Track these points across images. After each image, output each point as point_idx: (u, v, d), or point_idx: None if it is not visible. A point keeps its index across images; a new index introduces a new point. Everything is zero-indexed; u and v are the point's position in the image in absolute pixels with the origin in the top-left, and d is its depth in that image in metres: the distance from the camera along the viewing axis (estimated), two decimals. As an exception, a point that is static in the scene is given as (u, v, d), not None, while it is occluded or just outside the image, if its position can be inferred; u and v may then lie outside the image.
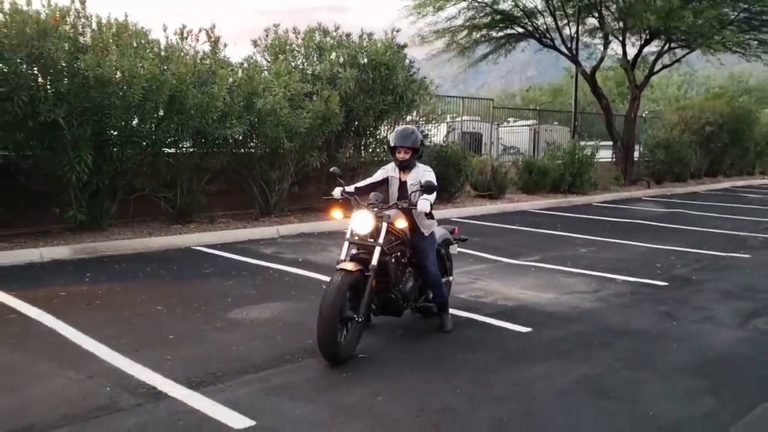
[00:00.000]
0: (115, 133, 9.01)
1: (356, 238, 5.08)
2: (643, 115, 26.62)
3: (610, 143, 21.53)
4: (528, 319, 5.96)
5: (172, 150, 10.24)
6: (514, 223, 12.31)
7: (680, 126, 22.85)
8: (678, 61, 22.08)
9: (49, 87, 8.29)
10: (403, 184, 5.48)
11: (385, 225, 4.98)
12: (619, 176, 20.13)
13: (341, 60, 12.06)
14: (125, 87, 8.57)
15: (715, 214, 14.35)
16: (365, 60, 12.01)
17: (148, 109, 8.89)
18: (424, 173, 5.37)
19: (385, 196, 5.51)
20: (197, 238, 9.64)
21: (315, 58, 12.37)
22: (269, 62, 11.96)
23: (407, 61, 12.76)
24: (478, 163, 15.37)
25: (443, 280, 5.75)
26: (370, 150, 12.92)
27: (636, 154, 22.05)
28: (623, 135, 20.99)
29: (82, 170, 8.55)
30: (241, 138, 10.86)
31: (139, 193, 9.97)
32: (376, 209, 5.11)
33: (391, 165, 5.57)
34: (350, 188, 5.42)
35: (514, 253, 9.17)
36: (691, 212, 14.77)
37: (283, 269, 7.87)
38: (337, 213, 5.49)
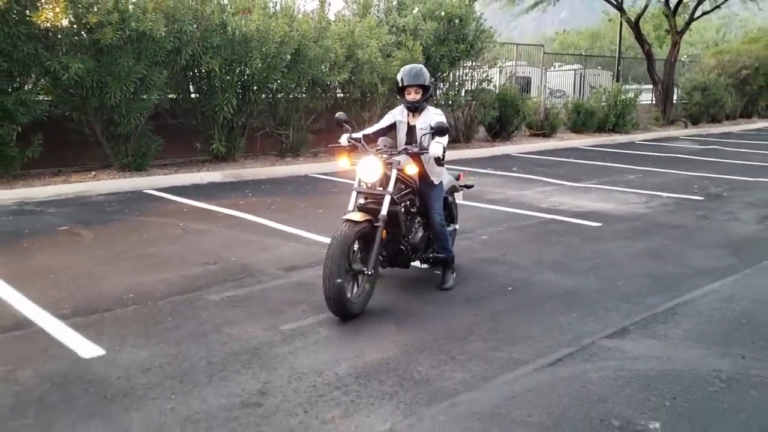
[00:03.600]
0: (254, 79, 11.07)
1: (364, 186, 4.81)
2: (682, 59, 27.88)
3: (650, 86, 23.06)
4: (597, 218, 7.99)
5: (284, 95, 12.27)
6: (569, 157, 14.24)
7: (717, 69, 24.18)
8: (718, 7, 23.23)
9: (206, 43, 10.32)
10: (411, 129, 5.14)
11: (394, 172, 4.72)
12: (658, 117, 21.77)
13: (421, 14, 13.91)
14: (262, 42, 10.58)
15: (747, 150, 16.10)
16: (442, 13, 13.85)
17: (278, 61, 10.89)
18: (434, 116, 5.00)
19: (393, 142, 5.19)
20: (309, 168, 11.77)
21: (395, 12, 14.22)
22: (356, 17, 13.85)
23: (477, 13, 14.56)
24: (532, 105, 17.22)
25: (449, 229, 5.60)
26: (444, 92, 14.89)
27: (674, 96, 23.58)
28: (663, 78, 22.49)
29: (228, 110, 10.67)
30: (339, 84, 12.86)
31: (262, 131, 12.10)
32: (384, 155, 4.84)
33: (399, 109, 5.26)
34: (357, 134, 5.10)
35: (575, 179, 11.14)
36: (725, 148, 16.51)
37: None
38: (343, 161, 5.15)
